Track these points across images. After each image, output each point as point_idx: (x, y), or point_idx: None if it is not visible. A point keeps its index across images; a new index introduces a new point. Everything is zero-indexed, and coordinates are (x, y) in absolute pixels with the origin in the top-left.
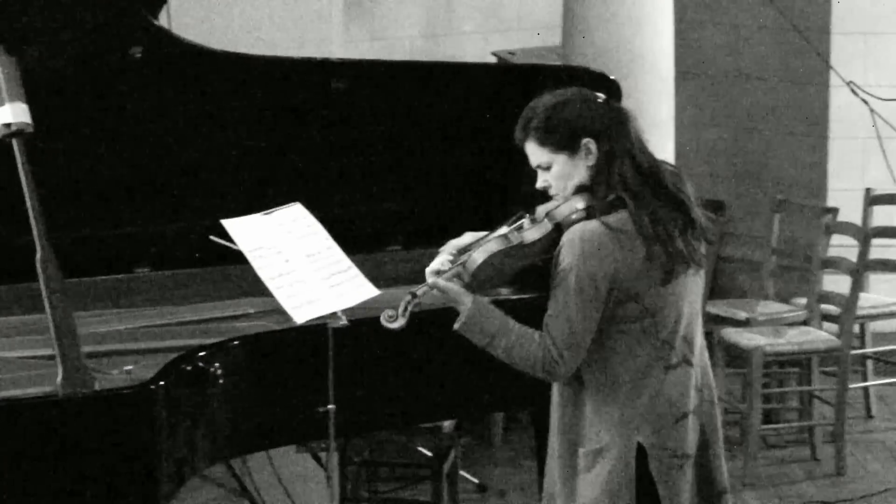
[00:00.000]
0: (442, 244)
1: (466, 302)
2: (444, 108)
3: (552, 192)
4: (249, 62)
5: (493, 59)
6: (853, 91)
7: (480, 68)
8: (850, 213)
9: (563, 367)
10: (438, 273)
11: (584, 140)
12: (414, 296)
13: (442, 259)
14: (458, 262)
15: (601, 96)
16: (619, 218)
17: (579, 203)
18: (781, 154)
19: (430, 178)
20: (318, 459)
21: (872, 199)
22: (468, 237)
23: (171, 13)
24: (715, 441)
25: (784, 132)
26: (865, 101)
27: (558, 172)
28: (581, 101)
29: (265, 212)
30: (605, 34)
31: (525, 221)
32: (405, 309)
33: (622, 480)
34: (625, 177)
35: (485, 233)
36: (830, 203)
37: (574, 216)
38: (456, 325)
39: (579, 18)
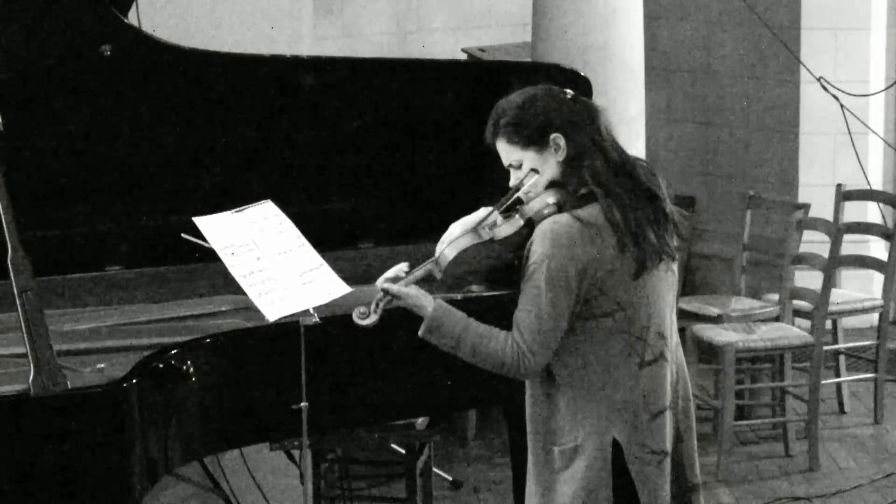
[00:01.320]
0: (414, 241)
1: (427, 306)
2: (414, 105)
3: (522, 190)
4: (219, 60)
5: (463, 56)
6: (823, 87)
7: (451, 65)
8: (822, 208)
9: (533, 363)
10: (395, 280)
11: (553, 135)
12: (386, 292)
13: (398, 267)
14: (432, 259)
15: (569, 92)
16: (590, 212)
17: (550, 198)
18: (752, 150)
19: (401, 175)
20: (291, 457)
21: (844, 195)
22: (458, 226)
23: (140, 11)
24: (689, 437)
25: (755, 128)
26: (836, 97)
27: (525, 172)
28: (548, 97)
29: (236, 209)
30: (574, 30)
31: (497, 217)
32: (377, 306)
33: (599, 478)
34: (595, 171)
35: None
36: (802, 199)
37: (545, 211)
38: (420, 332)
39: (549, 15)
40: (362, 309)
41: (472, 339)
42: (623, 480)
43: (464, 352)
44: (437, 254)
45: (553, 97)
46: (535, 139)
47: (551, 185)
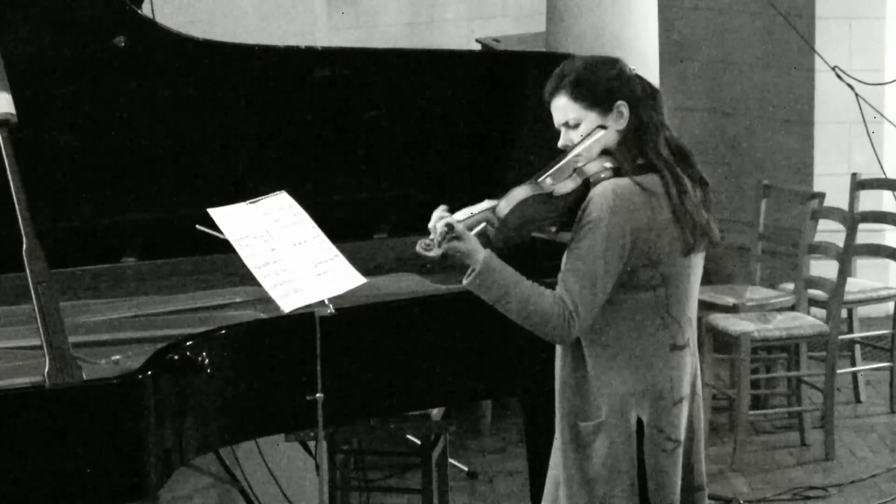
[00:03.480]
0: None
1: (480, 252)
2: (428, 96)
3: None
4: (233, 51)
5: (478, 47)
6: (838, 76)
7: (465, 56)
8: (837, 197)
9: (578, 325)
10: (461, 222)
11: (619, 102)
12: (451, 228)
13: (466, 210)
14: (489, 207)
15: (633, 69)
16: (650, 180)
17: (607, 162)
18: (767, 139)
19: (416, 165)
20: (306, 448)
21: (859, 184)
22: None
23: (154, 2)
24: (699, 436)
25: (770, 117)
26: (850, 86)
27: (587, 131)
28: (618, 65)
29: (251, 200)
30: (588, 20)
31: (552, 170)
32: (442, 239)
33: (623, 455)
34: (657, 147)
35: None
36: (817, 188)
37: (603, 174)
38: (466, 280)
39: (563, 5)
40: (427, 241)
41: (521, 294)
42: (640, 461)
43: (511, 306)
44: (493, 202)
45: (622, 67)
46: (600, 101)
47: (603, 153)
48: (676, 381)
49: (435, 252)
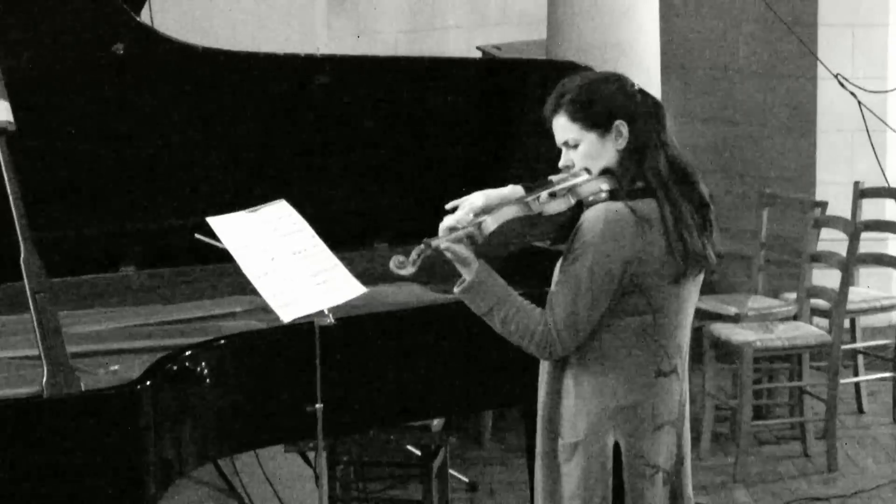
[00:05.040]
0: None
1: (473, 263)
2: (429, 104)
3: (573, 172)
4: (233, 58)
5: (477, 54)
6: (841, 84)
7: (466, 63)
8: (840, 206)
9: (559, 349)
10: (451, 230)
11: (618, 122)
12: (428, 245)
13: (458, 217)
14: (475, 223)
15: (636, 83)
16: (645, 205)
17: (604, 184)
18: (769, 148)
19: (417, 173)
20: (306, 459)
21: (861, 193)
22: (482, 197)
23: (153, 9)
24: (687, 456)
25: (772, 126)
26: (853, 94)
27: (586, 152)
28: (618, 82)
29: (250, 209)
30: (589, 28)
31: (544, 193)
32: (418, 256)
33: (598, 477)
34: (657, 168)
35: (498, 191)
36: (819, 197)
37: (597, 196)
38: (457, 289)
39: (564, 12)
40: (401, 258)
41: (509, 308)
42: (619, 487)
43: (497, 318)
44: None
45: (622, 84)
46: (599, 121)
47: (603, 172)
48: (658, 407)
49: (409, 270)
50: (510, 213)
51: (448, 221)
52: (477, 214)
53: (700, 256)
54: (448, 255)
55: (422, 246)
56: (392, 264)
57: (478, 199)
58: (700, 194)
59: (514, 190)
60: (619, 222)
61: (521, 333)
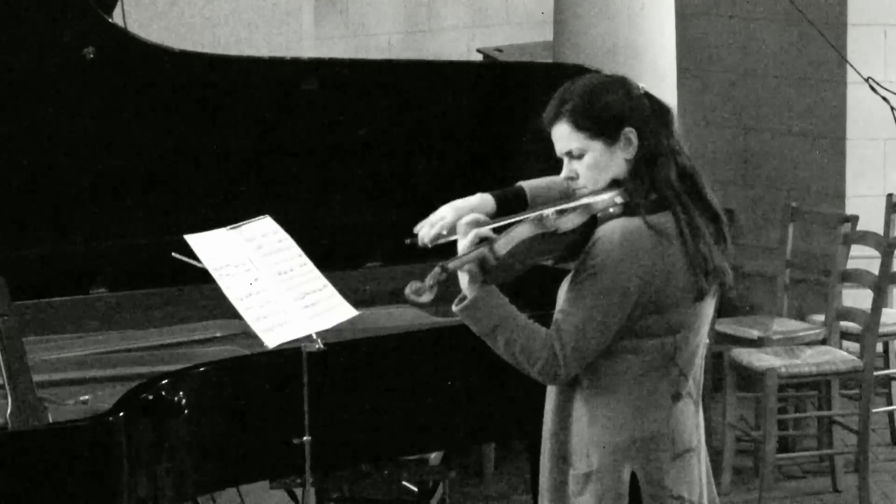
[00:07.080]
0: (425, 260)
1: (476, 282)
2: (425, 111)
3: (578, 184)
4: (213, 62)
5: (478, 57)
6: (872, 88)
7: (465, 67)
8: (871, 221)
9: (564, 374)
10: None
11: (626, 129)
12: (444, 269)
13: (469, 240)
14: (486, 244)
15: (643, 86)
16: (662, 220)
17: (618, 197)
18: (795, 157)
19: (411, 186)
20: (293, 496)
21: (895, 206)
22: (451, 210)
23: (125, 9)
24: (713, 488)
25: (797, 134)
26: (885, 99)
27: (592, 162)
28: (624, 87)
29: (232, 226)
30: (600, 28)
31: (555, 211)
32: (435, 282)
33: None
34: (668, 178)
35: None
36: (849, 210)
37: (612, 210)
38: (457, 307)
39: (572, 11)
40: (417, 284)
41: (512, 330)
42: None
43: (500, 340)
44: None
45: (628, 89)
46: (606, 130)
47: (612, 183)
48: (679, 433)
49: (427, 297)
50: (526, 232)
51: (462, 244)
52: (483, 241)
53: (721, 272)
54: (463, 276)
55: (437, 269)
56: (408, 290)
57: (447, 212)
58: (711, 206)
59: (482, 199)
60: (636, 240)
61: (524, 358)
